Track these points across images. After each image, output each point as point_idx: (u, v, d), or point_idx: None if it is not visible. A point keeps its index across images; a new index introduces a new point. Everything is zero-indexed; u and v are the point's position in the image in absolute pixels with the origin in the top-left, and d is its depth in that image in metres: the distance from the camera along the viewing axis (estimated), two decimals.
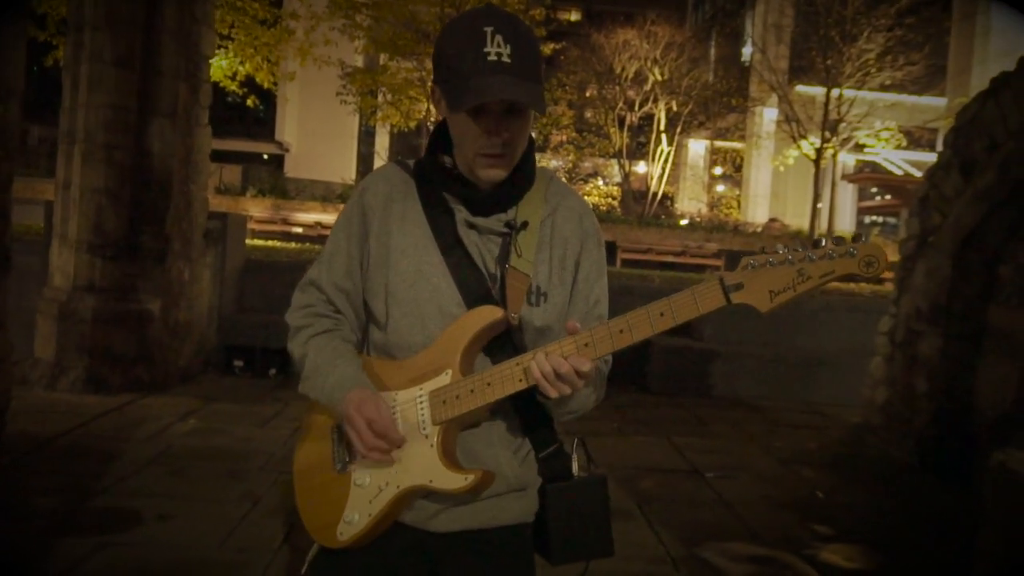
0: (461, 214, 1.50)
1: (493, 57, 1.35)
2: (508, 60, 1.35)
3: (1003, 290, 5.80)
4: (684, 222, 22.81)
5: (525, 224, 1.50)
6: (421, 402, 1.46)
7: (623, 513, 4.45)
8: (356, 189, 1.61)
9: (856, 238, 1.28)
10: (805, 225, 22.26)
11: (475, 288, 1.48)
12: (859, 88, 18.89)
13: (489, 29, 1.36)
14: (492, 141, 1.42)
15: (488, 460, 1.51)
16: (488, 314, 1.45)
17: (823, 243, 1.29)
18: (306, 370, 1.55)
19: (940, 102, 23.04)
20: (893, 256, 6.91)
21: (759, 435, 6.48)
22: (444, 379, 1.45)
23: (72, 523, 3.83)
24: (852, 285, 10.03)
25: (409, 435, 1.46)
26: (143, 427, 5.50)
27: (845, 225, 26.74)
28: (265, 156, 32.43)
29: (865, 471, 5.79)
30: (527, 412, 1.52)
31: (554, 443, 1.57)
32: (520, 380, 1.40)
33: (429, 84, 1.74)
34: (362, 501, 1.48)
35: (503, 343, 1.49)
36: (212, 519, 3.97)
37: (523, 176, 1.52)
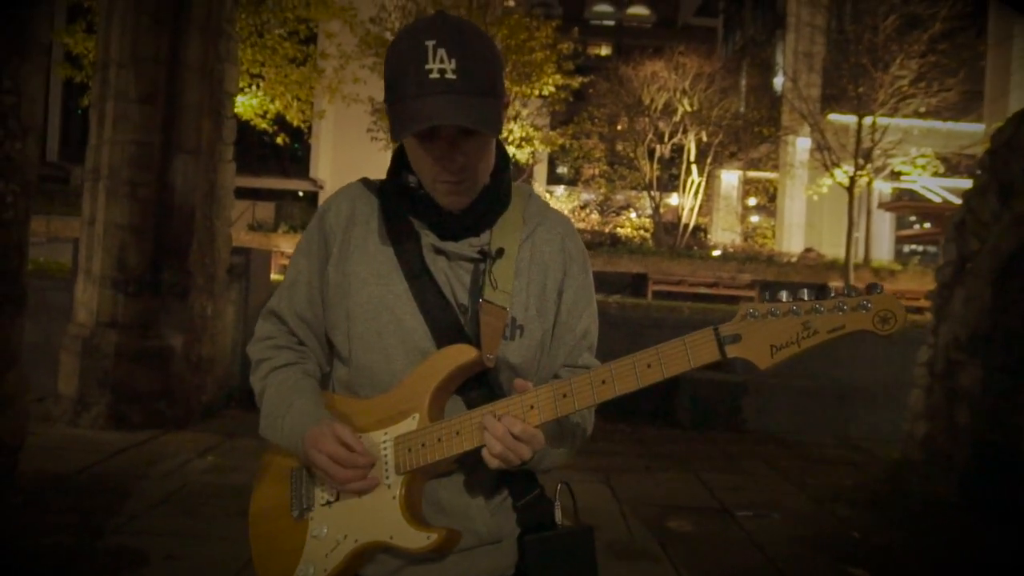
0: (428, 239, 1.37)
1: (435, 75, 1.22)
2: (452, 76, 1.23)
3: None
4: (717, 253, 22.53)
5: (501, 251, 1.36)
6: (385, 448, 1.33)
7: (647, 554, 4.26)
8: (318, 211, 1.50)
9: (871, 288, 1.13)
10: (841, 254, 21.86)
11: (444, 321, 1.34)
12: (892, 115, 18.61)
13: (431, 43, 1.23)
14: (446, 167, 1.29)
15: (457, 511, 1.36)
16: (461, 355, 1.31)
17: (831, 293, 1.15)
18: (264, 409, 1.43)
19: (978, 128, 22.57)
20: (916, 296, 6.67)
21: (792, 472, 6.23)
22: (411, 424, 1.32)
23: (77, 563, 3.75)
24: None
25: (372, 483, 1.33)
26: (160, 464, 5.45)
27: (883, 254, 26.16)
28: (300, 193, 32.85)
29: (904, 509, 5.51)
30: None
31: (534, 489, 1.41)
32: None
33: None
34: (318, 554, 1.35)
35: (477, 383, 1.35)
36: (220, 559, 3.87)
37: (496, 198, 1.39)
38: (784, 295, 1.17)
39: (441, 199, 1.34)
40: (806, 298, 1.15)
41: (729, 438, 7.31)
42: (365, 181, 1.50)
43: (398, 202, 1.41)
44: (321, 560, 1.34)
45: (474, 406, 1.32)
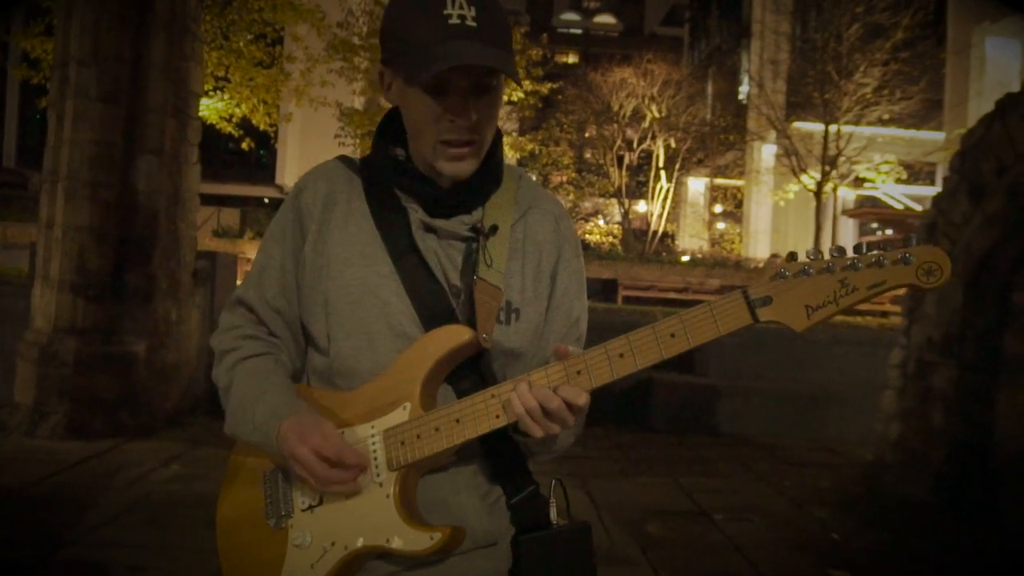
0: (417, 214, 1.27)
1: (455, 20, 1.14)
2: (473, 23, 1.14)
3: (1018, 318, 5.57)
4: (685, 259, 22.66)
5: (495, 228, 1.27)
6: (374, 443, 1.21)
7: (627, 560, 4.18)
8: (291, 190, 1.37)
9: (908, 240, 1.05)
10: None
11: (433, 303, 1.24)
12: (856, 123, 18.88)
13: None
14: (458, 124, 1.19)
15: (453, 509, 1.25)
16: (455, 336, 1.20)
17: (863, 248, 1.06)
18: (231, 405, 1.30)
19: (938, 136, 23.02)
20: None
21: (769, 474, 6.20)
22: (402, 415, 1.20)
23: None
24: (859, 318, 9.80)
25: (359, 483, 1.21)
26: (123, 474, 5.24)
27: None
28: (266, 200, 32.46)
29: (882, 511, 5.50)
30: (496, 450, 1.27)
31: (529, 486, 1.31)
32: (497, 416, 1.16)
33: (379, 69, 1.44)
34: (302, 565, 1.22)
35: (468, 370, 1.25)
36: (186, 570, 3.72)
37: (490, 172, 1.29)
38: (815, 252, 1.08)
39: (444, 165, 1.23)
40: (840, 255, 1.06)
41: (704, 441, 7.28)
42: (343, 159, 1.39)
43: (385, 176, 1.30)
44: (306, 571, 1.22)
45: (466, 395, 1.21)
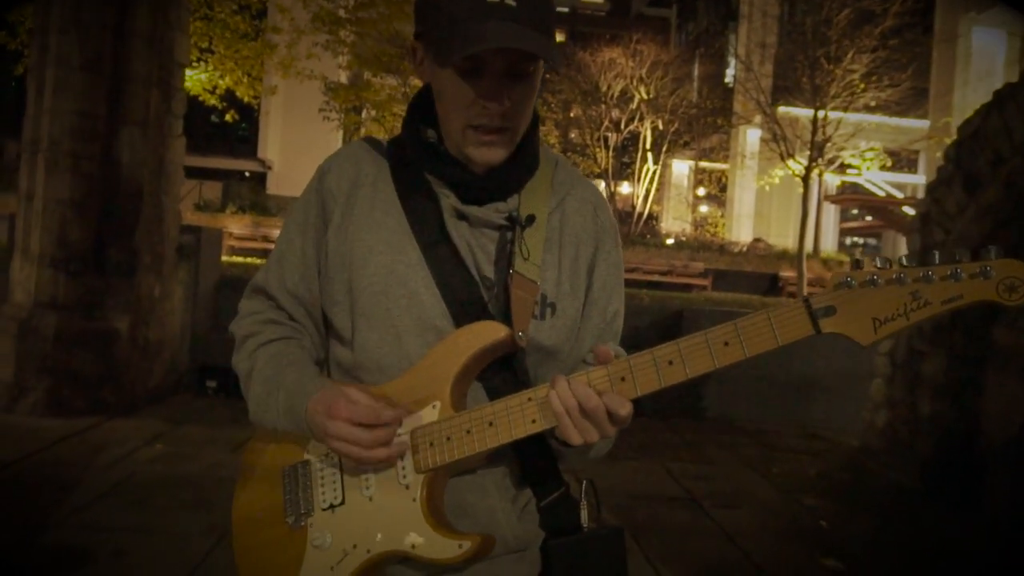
0: (449, 200, 1.19)
1: None
2: (513, 3, 1.07)
3: (1009, 310, 5.59)
4: (670, 241, 22.67)
5: (532, 218, 1.19)
6: (401, 443, 1.15)
7: None
8: (316, 172, 1.29)
9: (982, 251, 0.98)
10: (789, 244, 22.19)
11: (464, 295, 1.17)
12: (844, 109, 18.86)
13: None
14: (490, 109, 1.12)
15: (481, 514, 1.19)
16: (490, 333, 1.13)
17: (935, 258, 0.99)
18: (254, 391, 1.22)
19: (923, 124, 23.13)
20: None
21: (756, 460, 6.21)
22: (431, 414, 1.14)
23: (15, 562, 3.48)
24: None
25: (385, 486, 1.15)
26: (105, 453, 5.14)
27: (829, 245, 26.74)
28: (247, 173, 32.07)
29: (869, 498, 5.52)
30: (526, 450, 1.20)
31: (558, 487, 1.25)
32: (534, 421, 1.09)
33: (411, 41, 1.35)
34: (321, 567, 1.16)
35: (500, 367, 1.18)
36: (173, 554, 3.65)
37: (526, 158, 1.22)
38: (881, 261, 1.01)
39: (473, 150, 1.16)
40: (909, 264, 0.99)
41: (690, 426, 7.28)
42: (369, 139, 1.31)
43: (415, 159, 1.22)
44: (325, 574, 1.16)
45: (497, 393, 1.15)
